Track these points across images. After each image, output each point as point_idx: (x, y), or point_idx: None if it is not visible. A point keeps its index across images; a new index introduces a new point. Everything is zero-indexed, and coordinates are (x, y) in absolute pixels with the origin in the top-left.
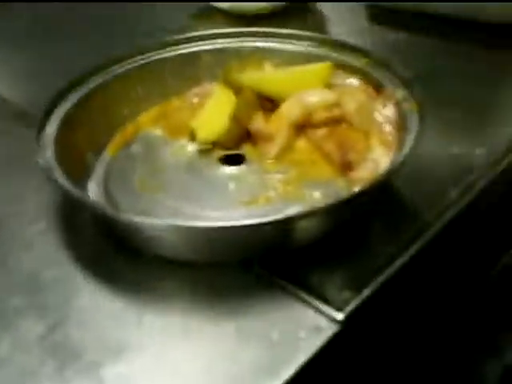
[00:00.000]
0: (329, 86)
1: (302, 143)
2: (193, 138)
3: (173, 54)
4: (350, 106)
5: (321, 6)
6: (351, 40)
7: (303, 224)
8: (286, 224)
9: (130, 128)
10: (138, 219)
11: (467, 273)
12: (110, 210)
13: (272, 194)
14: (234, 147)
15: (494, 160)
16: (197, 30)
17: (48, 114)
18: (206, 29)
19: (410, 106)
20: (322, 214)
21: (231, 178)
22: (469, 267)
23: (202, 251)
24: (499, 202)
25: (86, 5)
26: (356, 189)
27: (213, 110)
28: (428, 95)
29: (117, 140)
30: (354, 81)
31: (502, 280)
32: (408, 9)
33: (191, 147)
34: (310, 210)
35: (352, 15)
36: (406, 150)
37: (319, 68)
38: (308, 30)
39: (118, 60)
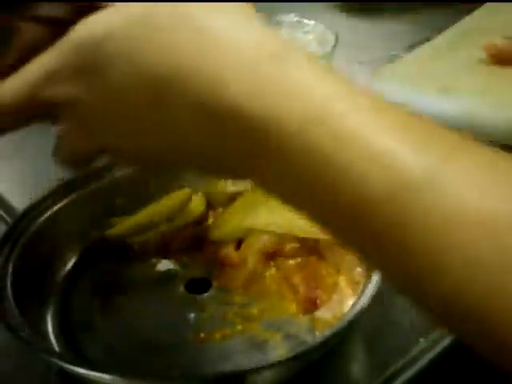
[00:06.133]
0: None
1: (271, 272)
2: None
3: None
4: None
5: None
6: None
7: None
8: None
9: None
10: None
11: None
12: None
13: (229, 331)
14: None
15: None
16: None
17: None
18: None
19: None
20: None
21: (192, 306)
22: None
23: None
24: None
25: None
26: (317, 332)
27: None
28: None
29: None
30: None
31: None
32: None
33: (161, 266)
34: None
35: None
36: (368, 296)
37: None
38: None
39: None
